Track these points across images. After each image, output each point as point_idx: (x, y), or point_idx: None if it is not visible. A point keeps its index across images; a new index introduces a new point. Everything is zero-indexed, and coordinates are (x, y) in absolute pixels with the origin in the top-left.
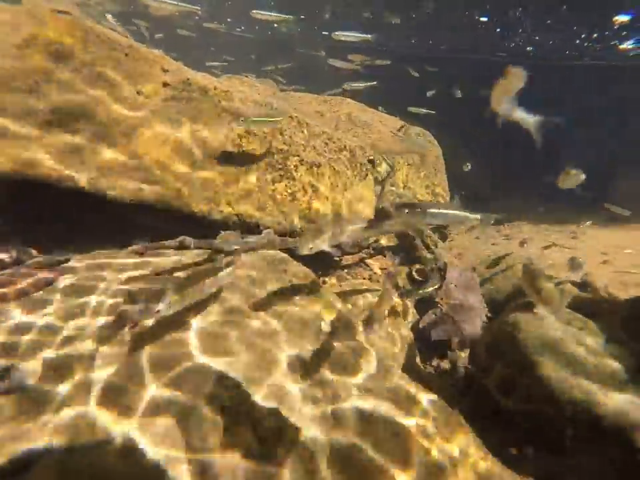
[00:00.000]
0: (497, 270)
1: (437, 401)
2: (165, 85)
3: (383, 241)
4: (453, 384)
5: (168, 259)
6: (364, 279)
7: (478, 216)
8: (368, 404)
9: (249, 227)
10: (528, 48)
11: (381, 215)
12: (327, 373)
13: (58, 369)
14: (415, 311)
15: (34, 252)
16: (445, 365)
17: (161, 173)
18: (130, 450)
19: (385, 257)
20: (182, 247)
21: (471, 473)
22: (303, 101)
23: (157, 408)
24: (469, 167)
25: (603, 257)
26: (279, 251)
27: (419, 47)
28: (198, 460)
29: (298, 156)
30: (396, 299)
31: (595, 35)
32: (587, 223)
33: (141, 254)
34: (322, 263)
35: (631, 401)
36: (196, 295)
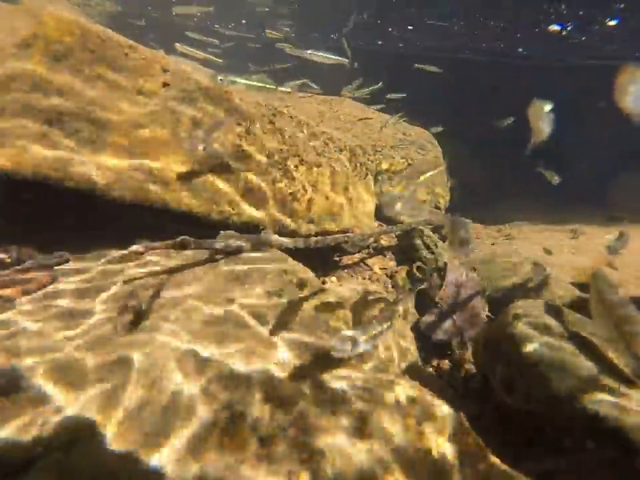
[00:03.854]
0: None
1: (437, 400)
2: (165, 84)
3: (383, 241)
4: (453, 384)
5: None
6: (364, 279)
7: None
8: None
9: (248, 227)
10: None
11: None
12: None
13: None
14: (415, 311)
15: (34, 252)
16: (445, 365)
17: (161, 173)
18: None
19: (385, 256)
20: (182, 246)
21: (472, 472)
22: (303, 101)
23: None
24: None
25: (602, 257)
26: (278, 251)
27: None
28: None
29: (298, 156)
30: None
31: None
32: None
33: (141, 254)
34: (322, 263)
35: (632, 401)
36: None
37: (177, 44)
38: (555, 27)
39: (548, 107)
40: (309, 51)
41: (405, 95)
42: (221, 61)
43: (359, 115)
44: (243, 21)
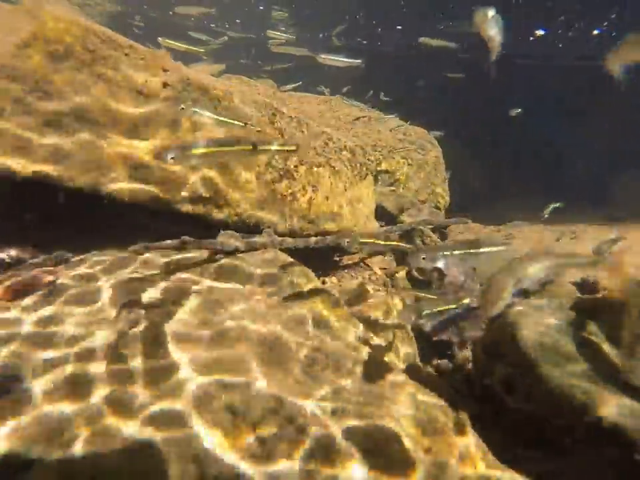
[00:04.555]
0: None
1: (436, 401)
2: (165, 84)
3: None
4: (453, 384)
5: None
6: (364, 278)
7: None
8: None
9: (248, 227)
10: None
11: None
12: (321, 375)
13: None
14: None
15: (34, 252)
16: (445, 365)
17: (160, 173)
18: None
19: (384, 257)
20: (182, 246)
21: (471, 473)
22: (303, 101)
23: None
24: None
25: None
26: (278, 251)
27: None
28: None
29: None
30: (396, 300)
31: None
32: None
33: (141, 254)
34: (322, 263)
35: (631, 402)
36: None
37: (160, 38)
38: (539, 32)
39: (492, 12)
40: (322, 55)
41: (390, 99)
42: (202, 50)
43: (358, 115)
44: (237, 20)
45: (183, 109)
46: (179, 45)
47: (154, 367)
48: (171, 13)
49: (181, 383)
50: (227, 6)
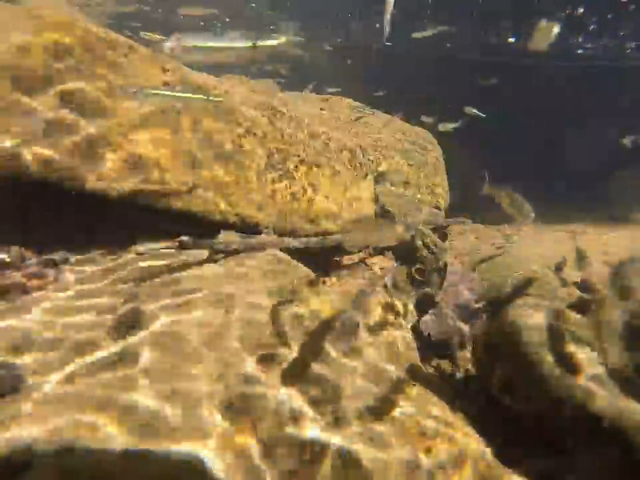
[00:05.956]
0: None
1: (436, 401)
2: (165, 84)
3: None
4: (453, 384)
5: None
6: (364, 279)
7: None
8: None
9: (248, 227)
10: None
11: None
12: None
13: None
14: (414, 311)
15: (34, 252)
16: (445, 365)
17: (160, 173)
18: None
19: (385, 256)
20: (182, 246)
21: (471, 473)
22: (303, 101)
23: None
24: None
25: (603, 257)
26: (278, 251)
27: None
28: None
29: (298, 156)
30: (396, 301)
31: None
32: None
33: (141, 254)
34: (321, 263)
35: (631, 401)
36: None
37: (141, 32)
38: (510, 39)
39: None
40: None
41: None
42: (165, 38)
43: (358, 115)
44: (227, 19)
45: (135, 92)
46: (152, 34)
47: None
48: (159, 10)
49: None
50: (229, 7)
